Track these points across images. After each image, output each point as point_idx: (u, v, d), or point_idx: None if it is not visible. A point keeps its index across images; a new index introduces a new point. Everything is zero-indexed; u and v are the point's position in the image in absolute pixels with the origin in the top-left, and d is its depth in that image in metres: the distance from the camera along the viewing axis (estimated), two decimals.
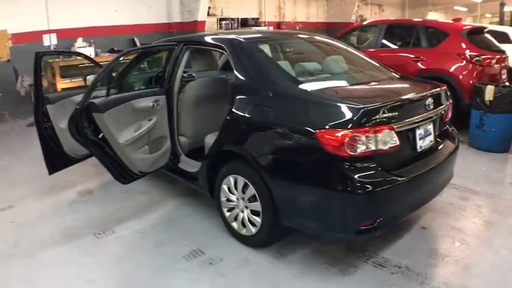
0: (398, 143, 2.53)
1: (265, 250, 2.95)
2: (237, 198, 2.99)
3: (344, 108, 2.46)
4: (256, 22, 10.25)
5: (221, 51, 3.29)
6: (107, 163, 3.09)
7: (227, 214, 3.11)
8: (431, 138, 2.95)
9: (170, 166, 3.58)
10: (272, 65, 3.03)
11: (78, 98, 3.76)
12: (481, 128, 5.09)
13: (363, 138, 2.38)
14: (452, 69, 5.70)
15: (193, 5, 8.25)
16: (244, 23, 9.78)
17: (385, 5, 15.32)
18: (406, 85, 3.31)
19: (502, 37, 7.90)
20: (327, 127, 2.42)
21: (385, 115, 2.48)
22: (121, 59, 3.26)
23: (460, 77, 5.61)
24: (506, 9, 11.78)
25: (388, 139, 2.48)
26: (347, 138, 2.36)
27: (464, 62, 5.68)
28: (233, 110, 2.89)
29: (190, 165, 3.50)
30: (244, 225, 2.98)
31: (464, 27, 6.20)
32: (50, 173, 3.74)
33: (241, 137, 2.84)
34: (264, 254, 2.91)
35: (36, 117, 3.62)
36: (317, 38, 3.96)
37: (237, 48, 3.15)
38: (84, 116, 2.89)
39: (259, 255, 2.90)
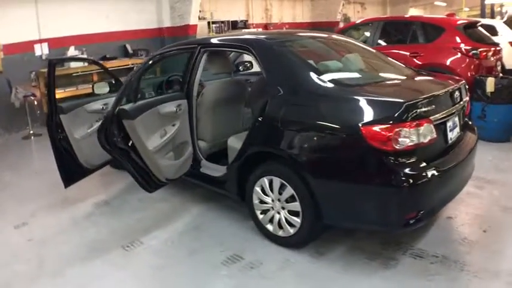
0: (435, 135, 2.56)
1: (303, 250, 2.90)
2: (272, 200, 2.92)
3: (387, 103, 2.49)
4: (245, 24, 10.22)
5: (246, 52, 3.22)
6: (134, 172, 2.98)
7: (261, 216, 3.04)
8: (457, 130, 2.98)
9: (192, 172, 3.49)
10: (305, 65, 2.98)
11: (91, 106, 3.65)
12: (483, 119, 5.17)
13: (407, 132, 2.39)
14: (450, 63, 5.78)
15: (185, 9, 8.14)
16: (234, 25, 9.72)
17: (367, 3, 15.54)
18: (431, 80, 3.32)
19: (489, 30, 8.08)
20: (372, 123, 2.41)
21: (424, 109, 2.50)
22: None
23: (458, 70, 5.68)
24: (488, 1, 12.12)
25: (427, 132, 2.50)
26: (393, 133, 2.36)
27: (462, 55, 5.78)
28: (267, 111, 2.83)
29: (213, 170, 3.42)
30: (280, 226, 2.92)
31: (460, 22, 6.32)
32: (66, 186, 3.59)
33: (278, 138, 2.78)
34: (302, 254, 2.87)
35: (49, 128, 3.46)
36: (333, 36, 3.94)
37: (265, 49, 3.10)
38: (114, 123, 2.77)
39: (298, 256, 2.86)
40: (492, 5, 13.19)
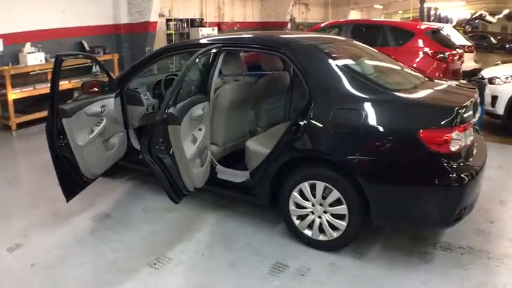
0: (473, 137, 2.74)
1: (342, 252, 2.88)
2: (313, 204, 2.84)
3: (442, 108, 2.63)
4: (201, 22, 9.94)
5: (277, 54, 3.08)
6: (167, 183, 2.71)
7: (297, 222, 2.94)
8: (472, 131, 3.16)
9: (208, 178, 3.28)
10: (349, 68, 2.94)
11: (91, 109, 3.27)
12: None
13: (458, 135, 2.52)
14: (420, 66, 6.10)
15: (145, 5, 7.68)
16: (192, 23, 9.40)
17: (310, 4, 15.94)
18: (454, 85, 3.44)
19: None
20: (430, 127, 2.49)
21: (466, 114, 2.64)
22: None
23: (427, 73, 6.02)
24: (426, 5, 13.04)
25: (469, 134, 2.68)
26: (450, 136, 2.46)
27: (431, 59, 6.15)
28: (312, 114, 2.74)
29: (233, 175, 3.24)
30: (321, 230, 2.85)
31: (428, 27, 6.73)
32: (68, 199, 3.16)
33: (328, 143, 2.74)
34: (344, 256, 2.85)
35: (49, 134, 3.02)
36: (353, 42, 3.93)
37: (304, 51, 3.02)
38: (161, 130, 2.49)
39: (341, 259, 2.83)
40: (429, 9, 14.26)
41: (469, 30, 15.59)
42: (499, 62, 7.35)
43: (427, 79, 3.36)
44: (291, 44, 3.09)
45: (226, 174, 3.29)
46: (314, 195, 2.82)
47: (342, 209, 2.73)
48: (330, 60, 2.93)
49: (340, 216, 2.76)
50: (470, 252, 2.90)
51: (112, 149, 3.56)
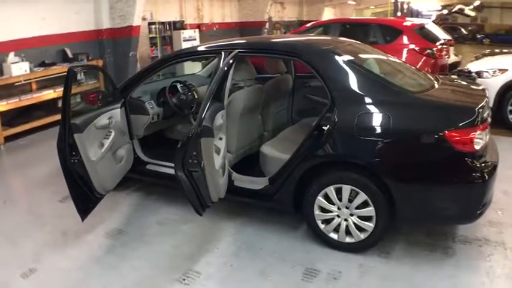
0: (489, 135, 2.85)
1: (368, 253, 2.90)
2: (339, 208, 2.83)
3: (464, 109, 2.72)
4: (182, 25, 9.79)
5: (294, 58, 3.07)
6: (194, 195, 2.64)
7: (322, 226, 2.94)
8: None
9: None
10: (369, 71, 2.98)
11: (100, 121, 3.15)
12: None
13: (481, 134, 2.61)
14: (409, 62, 6.21)
15: (127, 10, 7.46)
16: (174, 26, 9.24)
17: (286, 2, 15.97)
18: (466, 85, 3.52)
19: None
20: (455, 127, 2.55)
21: (485, 113, 2.73)
22: None
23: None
24: None
25: (487, 133, 2.77)
26: (474, 135, 2.54)
27: (419, 55, 6.26)
28: (337, 119, 2.74)
29: (251, 182, 3.21)
30: (347, 233, 2.86)
31: (415, 24, 6.84)
32: (83, 218, 3.03)
33: (355, 147, 2.75)
34: (371, 257, 2.88)
35: (61, 151, 2.89)
36: (360, 44, 3.93)
37: (323, 56, 3.04)
38: (195, 143, 2.41)
39: (369, 259, 2.86)
40: (402, 3, 14.55)
41: (440, 22, 15.97)
42: (478, 55, 7.55)
43: (436, 79, 3.42)
44: (310, 50, 3.09)
45: (243, 181, 3.25)
46: (340, 199, 2.82)
47: (370, 211, 2.74)
48: (350, 65, 2.95)
49: (367, 218, 2.78)
50: (487, 244, 2.99)
51: (121, 161, 3.45)
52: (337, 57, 2.99)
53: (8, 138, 5.49)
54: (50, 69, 6.22)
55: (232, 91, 3.35)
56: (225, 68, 2.94)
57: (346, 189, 2.77)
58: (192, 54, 3.67)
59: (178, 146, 2.47)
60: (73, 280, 2.77)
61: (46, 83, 6.21)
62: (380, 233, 2.80)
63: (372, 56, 3.44)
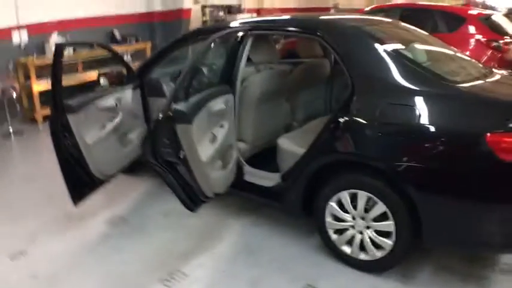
0: None
1: (386, 274, 2.40)
2: (354, 217, 2.35)
3: None
4: (239, 9, 9.51)
5: (315, 38, 2.60)
6: (179, 189, 2.33)
7: (334, 237, 2.47)
8: None
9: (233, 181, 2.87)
10: (400, 55, 2.39)
11: (103, 102, 2.93)
12: None
13: None
14: (472, 55, 5.41)
15: None
16: (229, 10, 8.99)
17: None
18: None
19: None
20: (499, 130, 1.94)
21: None
22: None
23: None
24: None
25: None
26: None
27: (485, 47, 5.46)
28: (353, 110, 2.24)
29: (262, 178, 2.81)
30: (362, 248, 2.37)
31: (481, 13, 6.02)
32: (76, 203, 2.85)
33: (372, 144, 2.23)
34: (388, 279, 2.38)
35: (53, 132, 2.72)
36: (401, 24, 3.36)
37: (346, 35, 2.51)
38: (166, 129, 2.10)
39: (385, 282, 2.37)
40: None
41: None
42: None
43: (487, 69, 2.76)
44: (329, 26, 2.59)
45: (254, 176, 2.87)
46: (355, 207, 2.33)
47: (388, 225, 2.23)
48: (377, 45, 2.39)
49: (385, 234, 2.26)
50: None
51: (129, 145, 3.23)
52: (361, 36, 2.47)
53: (46, 118, 5.59)
54: (94, 50, 6.23)
55: (251, 74, 2.97)
56: (234, 48, 2.57)
57: (362, 196, 2.27)
58: (211, 32, 3.32)
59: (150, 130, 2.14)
60: (58, 266, 2.60)
61: (91, 64, 6.25)
62: (400, 253, 2.28)
63: (412, 38, 2.83)
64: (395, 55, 2.35)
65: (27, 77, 5.45)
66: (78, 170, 2.81)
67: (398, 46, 2.51)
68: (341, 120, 2.29)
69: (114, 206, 3.33)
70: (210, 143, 2.37)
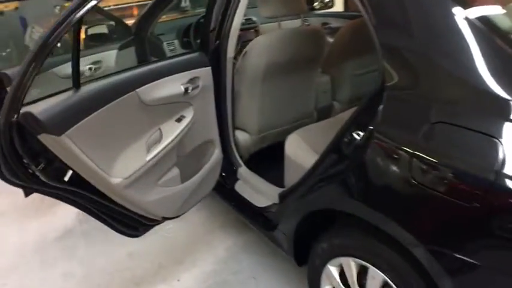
0: None
1: None
2: None
3: None
4: None
5: None
6: (105, 218, 1.61)
7: None
8: None
9: (218, 187, 2.05)
10: (486, 26, 1.08)
11: (67, 69, 2.22)
12: None
13: None
14: None
15: None
16: None
17: None
18: None
19: None
20: None
21: None
22: None
23: None
24: None
25: None
26: None
27: None
28: (379, 120, 1.16)
29: (256, 192, 1.94)
30: None
31: None
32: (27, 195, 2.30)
33: (397, 200, 1.14)
34: None
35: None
36: None
37: None
38: (17, 137, 1.31)
39: None
40: None
41: None
42: None
43: None
44: None
45: (246, 184, 2.02)
46: (362, 286, 1.36)
47: None
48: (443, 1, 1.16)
49: None
50: None
51: None
52: None
53: None
54: None
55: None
56: None
57: (376, 276, 1.27)
58: None
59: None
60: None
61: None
62: None
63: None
64: (477, 24, 1.07)
65: None
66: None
67: (488, 9, 1.26)
68: (356, 136, 1.26)
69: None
70: (145, 148, 1.52)
